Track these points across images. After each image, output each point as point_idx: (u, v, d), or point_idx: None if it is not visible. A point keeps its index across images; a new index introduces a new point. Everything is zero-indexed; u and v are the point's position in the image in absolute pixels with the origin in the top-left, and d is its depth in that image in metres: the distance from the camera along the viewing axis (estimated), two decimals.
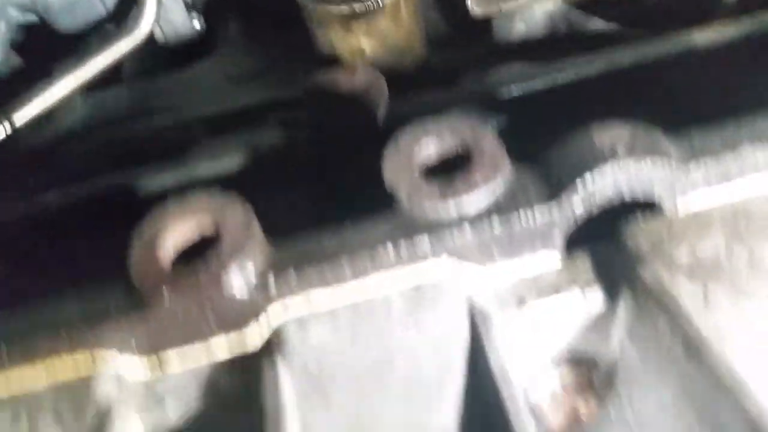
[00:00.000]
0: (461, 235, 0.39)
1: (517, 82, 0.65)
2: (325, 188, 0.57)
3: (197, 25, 1.09)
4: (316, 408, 0.36)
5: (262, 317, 0.39)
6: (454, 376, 0.37)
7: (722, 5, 0.71)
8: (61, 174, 0.83)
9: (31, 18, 1.11)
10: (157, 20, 0.95)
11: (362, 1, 0.69)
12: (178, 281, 0.38)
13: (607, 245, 0.41)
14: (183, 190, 0.55)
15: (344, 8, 0.69)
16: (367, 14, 0.70)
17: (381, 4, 0.69)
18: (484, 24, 0.77)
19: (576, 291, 0.40)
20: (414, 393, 0.36)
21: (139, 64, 1.14)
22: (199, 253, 0.40)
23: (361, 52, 0.72)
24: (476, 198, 0.40)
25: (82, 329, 0.39)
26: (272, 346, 0.38)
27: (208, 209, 0.41)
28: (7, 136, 0.84)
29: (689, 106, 0.56)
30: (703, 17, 0.70)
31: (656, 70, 0.62)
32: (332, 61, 0.76)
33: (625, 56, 0.64)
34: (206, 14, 1.10)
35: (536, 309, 0.40)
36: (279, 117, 0.82)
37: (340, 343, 0.38)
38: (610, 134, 0.41)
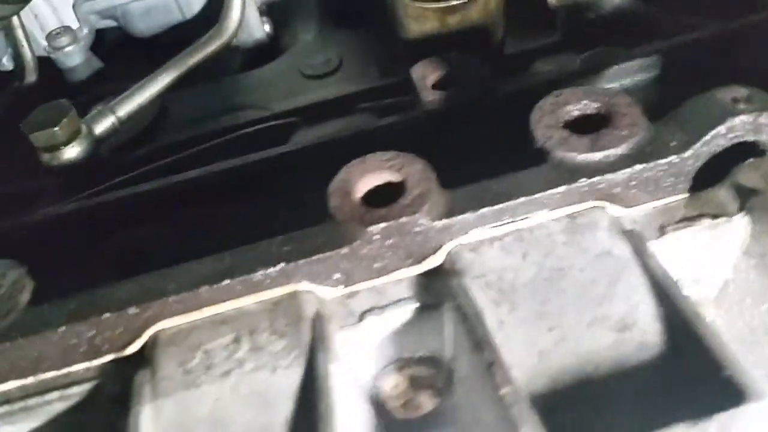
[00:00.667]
0: (610, 181, 0.47)
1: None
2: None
3: (268, 28, 1.17)
4: (505, 312, 0.43)
5: (444, 248, 0.47)
6: (625, 277, 0.44)
7: None
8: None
9: (110, 23, 1.19)
10: (241, 23, 1.03)
11: None
12: (376, 220, 0.45)
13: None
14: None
15: (442, 4, 0.77)
16: (460, 7, 0.78)
17: None
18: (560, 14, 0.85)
19: (707, 221, 0.48)
20: (589, 293, 0.43)
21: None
22: (382, 200, 0.47)
23: (456, 42, 0.79)
24: (622, 148, 0.47)
25: (288, 265, 0.46)
26: (455, 268, 0.46)
27: (392, 162, 0.48)
28: (115, 129, 0.91)
29: None
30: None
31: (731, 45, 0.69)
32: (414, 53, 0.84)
33: (696, 40, 0.72)
34: (276, 19, 1.18)
35: (675, 238, 0.47)
36: (369, 105, 0.89)
37: (513, 261, 0.45)
38: (731, 93, 0.48)
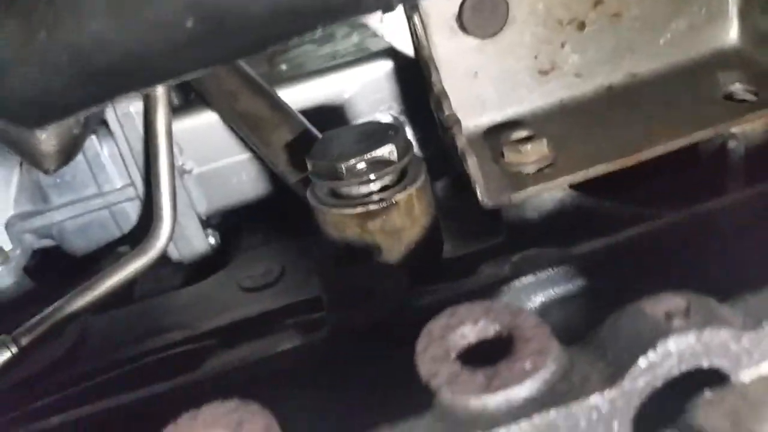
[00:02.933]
0: None
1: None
2: (349, 392, 0.52)
3: (213, 240, 1.11)
4: None
5: None
6: None
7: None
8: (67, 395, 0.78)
9: (46, 242, 1.14)
10: (171, 239, 0.96)
11: (376, 201, 0.70)
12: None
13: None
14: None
15: (360, 209, 0.70)
16: (381, 212, 0.70)
17: (394, 201, 0.70)
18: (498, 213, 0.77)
19: None
20: None
21: (154, 283, 1.14)
22: None
23: (378, 248, 0.71)
24: (526, 388, 0.35)
25: None
26: None
27: (231, 416, 0.36)
28: (14, 357, 0.81)
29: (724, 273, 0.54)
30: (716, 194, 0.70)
31: (675, 243, 0.60)
32: (347, 260, 0.75)
33: (641, 234, 0.63)
34: (222, 229, 1.13)
35: None
36: (295, 321, 0.79)
37: None
38: (665, 305, 0.37)
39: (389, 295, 0.58)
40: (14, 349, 0.82)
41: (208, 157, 1.04)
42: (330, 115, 0.95)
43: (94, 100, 0.46)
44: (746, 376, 0.37)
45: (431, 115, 0.83)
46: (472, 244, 0.82)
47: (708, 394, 0.36)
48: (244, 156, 1.02)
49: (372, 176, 0.71)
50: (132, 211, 1.07)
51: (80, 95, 0.43)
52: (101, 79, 0.42)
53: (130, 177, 1.04)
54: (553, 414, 0.35)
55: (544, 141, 0.78)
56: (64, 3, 0.38)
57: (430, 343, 0.40)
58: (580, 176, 0.76)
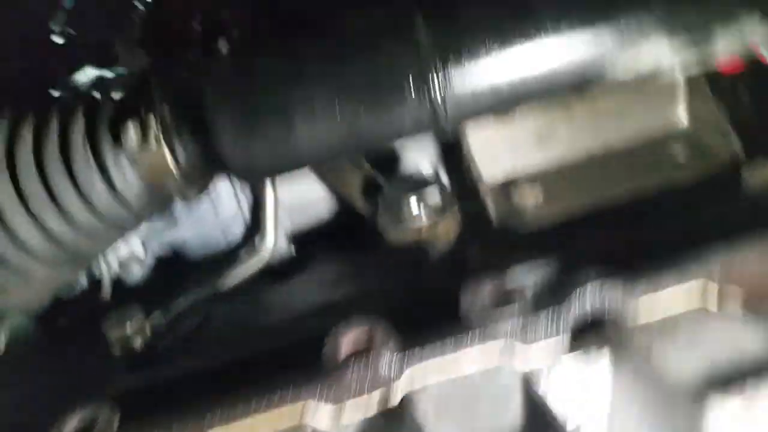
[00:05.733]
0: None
1: None
2: None
3: (292, 251, 1.49)
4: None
5: (397, 383, 0.70)
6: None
7: None
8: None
9: (168, 252, 1.52)
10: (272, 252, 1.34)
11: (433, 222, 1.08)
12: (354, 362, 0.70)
13: None
14: None
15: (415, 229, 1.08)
16: (428, 229, 1.08)
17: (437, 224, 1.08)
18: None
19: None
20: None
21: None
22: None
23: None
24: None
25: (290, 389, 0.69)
26: (408, 400, 0.68)
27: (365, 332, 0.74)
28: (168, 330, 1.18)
29: None
30: None
31: None
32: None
33: None
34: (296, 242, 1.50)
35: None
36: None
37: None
38: None
39: None
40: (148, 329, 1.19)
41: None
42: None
43: (289, 171, 0.86)
44: None
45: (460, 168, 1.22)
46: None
47: None
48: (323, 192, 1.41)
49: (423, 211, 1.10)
50: (237, 229, 1.45)
51: (284, 170, 0.84)
52: (292, 166, 0.83)
53: (238, 205, 1.43)
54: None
55: (538, 187, 1.16)
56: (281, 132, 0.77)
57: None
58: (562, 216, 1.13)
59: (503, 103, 0.83)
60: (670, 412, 0.65)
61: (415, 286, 0.95)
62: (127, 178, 0.80)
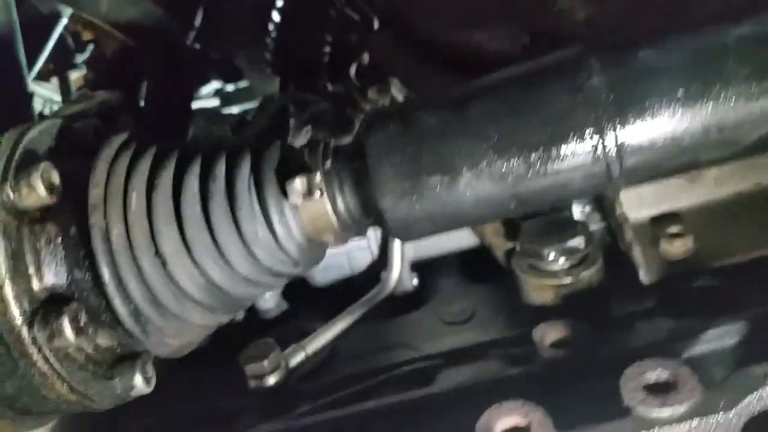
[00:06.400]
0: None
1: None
2: None
3: (415, 281, 1.48)
4: None
5: None
6: None
7: None
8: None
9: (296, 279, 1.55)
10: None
11: (568, 277, 1.03)
12: None
13: None
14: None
15: (556, 281, 1.03)
16: (570, 285, 1.03)
17: (580, 278, 1.03)
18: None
19: None
20: None
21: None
22: None
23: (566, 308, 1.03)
24: (684, 407, 0.67)
25: None
26: None
27: (521, 409, 0.70)
28: (304, 363, 1.20)
29: None
30: None
31: None
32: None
33: None
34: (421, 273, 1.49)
35: None
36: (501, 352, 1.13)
37: None
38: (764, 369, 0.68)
39: (583, 344, 0.91)
40: (305, 355, 1.21)
41: None
42: None
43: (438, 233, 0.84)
44: None
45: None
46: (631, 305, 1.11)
47: None
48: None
49: (566, 261, 1.05)
50: (362, 258, 1.46)
51: (437, 232, 0.83)
52: (450, 226, 0.81)
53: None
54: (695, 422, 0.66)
55: (691, 237, 1.08)
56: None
57: (628, 380, 0.72)
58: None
59: (679, 166, 0.76)
60: None
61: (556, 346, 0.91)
62: (291, 230, 0.81)
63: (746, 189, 1.16)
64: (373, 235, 1.42)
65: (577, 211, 1.16)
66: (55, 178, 0.75)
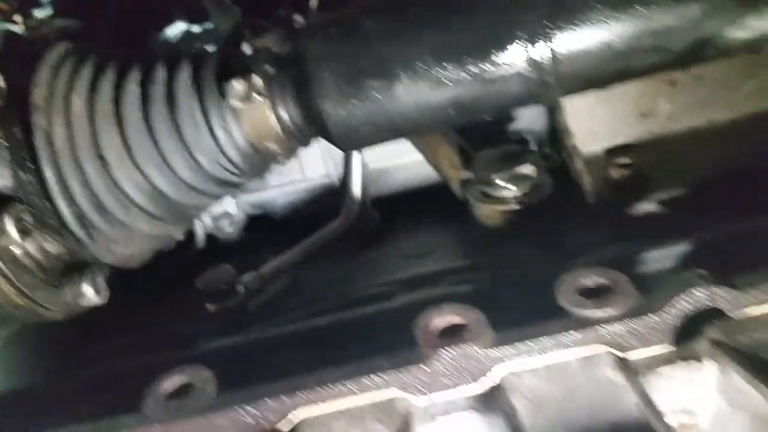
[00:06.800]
0: (610, 331, 0.69)
1: None
2: None
3: (376, 217, 1.49)
4: (536, 417, 0.64)
5: (494, 371, 0.69)
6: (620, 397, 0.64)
7: None
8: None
9: (258, 211, 1.55)
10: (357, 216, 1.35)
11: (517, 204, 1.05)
12: (447, 348, 0.69)
13: None
14: None
15: (506, 207, 1.05)
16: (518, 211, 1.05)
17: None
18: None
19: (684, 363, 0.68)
20: (594, 407, 0.63)
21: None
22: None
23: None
24: (617, 309, 0.70)
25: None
26: (503, 387, 0.67)
27: (458, 309, 0.72)
28: (260, 290, 1.21)
29: None
30: None
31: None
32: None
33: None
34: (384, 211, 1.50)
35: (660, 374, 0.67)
36: None
37: (542, 384, 0.66)
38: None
39: None
40: (261, 282, 1.22)
41: (383, 158, 1.42)
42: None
43: (384, 141, 0.84)
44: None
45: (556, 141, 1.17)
46: None
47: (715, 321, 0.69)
48: (410, 159, 1.39)
49: (515, 187, 1.07)
50: (324, 191, 1.46)
51: (381, 140, 0.83)
52: (396, 134, 0.80)
53: (325, 168, 1.43)
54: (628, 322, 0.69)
55: (640, 167, 1.10)
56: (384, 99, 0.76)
57: (564, 284, 0.74)
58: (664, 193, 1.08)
59: (614, 73, 0.77)
60: None
61: (504, 265, 0.93)
62: (232, 135, 0.81)
63: (699, 125, 1.19)
64: (335, 172, 1.42)
65: (531, 142, 1.17)
66: (0, 81, 0.74)
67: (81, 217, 0.77)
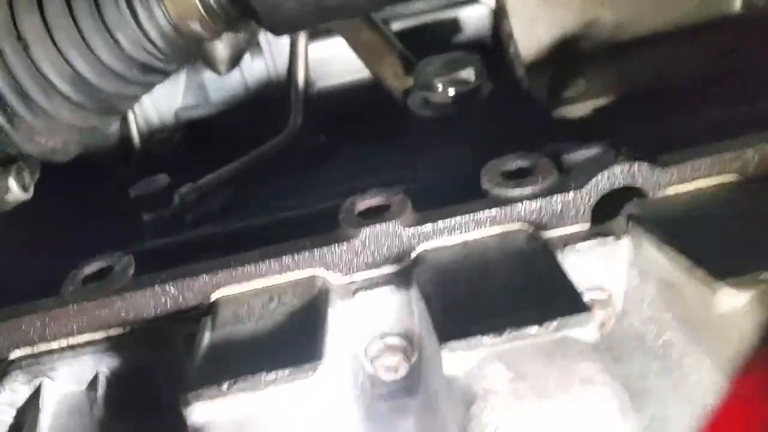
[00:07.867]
0: (528, 208, 0.69)
1: None
2: None
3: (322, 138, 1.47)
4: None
5: (414, 250, 0.69)
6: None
7: None
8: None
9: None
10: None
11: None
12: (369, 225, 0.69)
13: None
14: None
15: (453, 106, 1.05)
16: None
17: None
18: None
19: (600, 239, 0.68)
20: (510, 278, 0.64)
21: None
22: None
23: None
24: (536, 188, 0.70)
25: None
26: (419, 263, 0.68)
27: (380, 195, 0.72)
28: (199, 202, 1.19)
29: None
30: None
31: None
32: None
33: None
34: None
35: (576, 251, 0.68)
36: None
37: (458, 260, 0.67)
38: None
39: None
40: (198, 194, 1.20)
41: (328, 75, 1.40)
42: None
43: (314, 24, 0.82)
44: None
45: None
46: None
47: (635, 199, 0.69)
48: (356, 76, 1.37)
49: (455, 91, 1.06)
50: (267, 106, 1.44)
51: (310, 21, 0.80)
52: (325, 13, 0.78)
53: (270, 84, 1.40)
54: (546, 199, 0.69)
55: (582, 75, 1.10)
56: None
57: (488, 168, 0.74)
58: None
59: None
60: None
61: (436, 160, 0.93)
62: (153, 13, 0.77)
63: (644, 33, 1.19)
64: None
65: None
66: None
67: (2, 103, 0.75)
